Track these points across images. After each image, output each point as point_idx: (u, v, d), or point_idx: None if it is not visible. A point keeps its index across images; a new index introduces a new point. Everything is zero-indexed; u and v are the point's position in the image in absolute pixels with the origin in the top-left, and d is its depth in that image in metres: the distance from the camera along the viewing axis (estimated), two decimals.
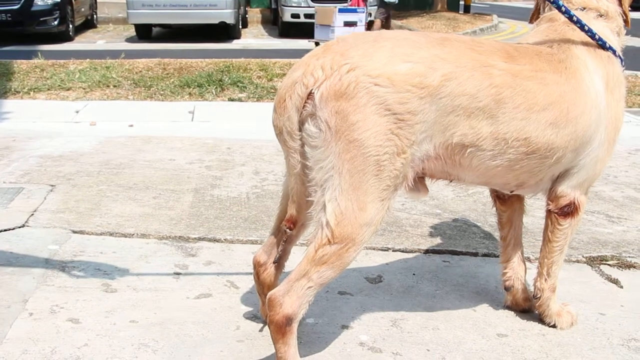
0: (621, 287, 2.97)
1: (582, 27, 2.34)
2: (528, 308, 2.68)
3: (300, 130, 2.06)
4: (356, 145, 1.97)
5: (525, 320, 2.64)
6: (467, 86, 2.07)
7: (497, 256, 3.24)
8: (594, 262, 3.22)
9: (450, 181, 2.34)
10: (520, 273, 2.67)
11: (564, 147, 2.25)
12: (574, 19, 2.33)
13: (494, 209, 2.70)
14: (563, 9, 2.33)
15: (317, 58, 2.06)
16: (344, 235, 2.02)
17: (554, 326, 2.57)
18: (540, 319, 2.61)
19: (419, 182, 2.26)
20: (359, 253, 2.10)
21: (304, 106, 2.03)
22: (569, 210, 2.41)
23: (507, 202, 2.63)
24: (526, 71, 2.18)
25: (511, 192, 2.46)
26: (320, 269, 2.04)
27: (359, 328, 2.55)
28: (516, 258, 2.67)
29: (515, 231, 2.67)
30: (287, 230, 2.27)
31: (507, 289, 2.70)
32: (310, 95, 2.01)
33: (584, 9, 2.42)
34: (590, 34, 2.35)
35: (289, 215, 2.24)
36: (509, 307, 2.73)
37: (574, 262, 3.21)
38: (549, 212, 2.46)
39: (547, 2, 2.49)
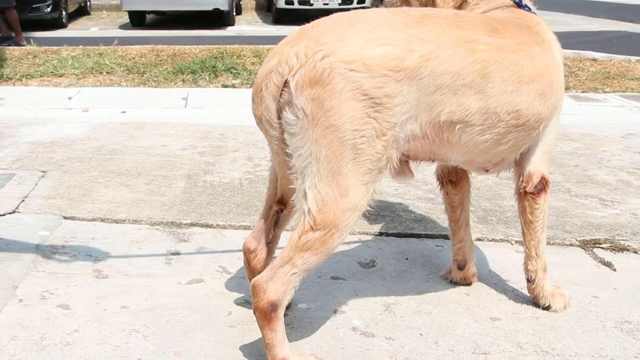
0: (614, 270, 2.96)
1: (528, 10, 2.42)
2: (471, 283, 2.77)
3: (279, 118, 2.04)
4: (332, 131, 1.95)
5: (519, 304, 2.63)
6: (450, 64, 2.04)
7: (491, 240, 3.25)
8: (588, 245, 3.21)
9: (433, 161, 2.35)
10: (471, 252, 2.76)
11: (548, 116, 2.31)
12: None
13: (443, 193, 2.74)
14: None
15: (291, 45, 2.02)
16: (326, 221, 1.99)
17: (547, 308, 2.56)
18: (534, 303, 2.60)
19: (404, 165, 2.24)
20: (344, 238, 2.07)
21: (280, 94, 2.00)
22: (541, 187, 2.45)
23: (458, 185, 2.69)
24: (512, 44, 2.19)
25: (487, 170, 2.47)
26: (304, 255, 2.02)
27: (352, 313, 2.54)
28: (467, 237, 2.75)
29: (466, 212, 2.74)
30: (278, 211, 2.26)
31: (460, 267, 2.76)
32: (286, 83, 1.98)
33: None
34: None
35: (279, 197, 2.24)
36: (455, 282, 2.78)
37: (567, 245, 3.20)
38: (524, 194, 2.47)
39: None
